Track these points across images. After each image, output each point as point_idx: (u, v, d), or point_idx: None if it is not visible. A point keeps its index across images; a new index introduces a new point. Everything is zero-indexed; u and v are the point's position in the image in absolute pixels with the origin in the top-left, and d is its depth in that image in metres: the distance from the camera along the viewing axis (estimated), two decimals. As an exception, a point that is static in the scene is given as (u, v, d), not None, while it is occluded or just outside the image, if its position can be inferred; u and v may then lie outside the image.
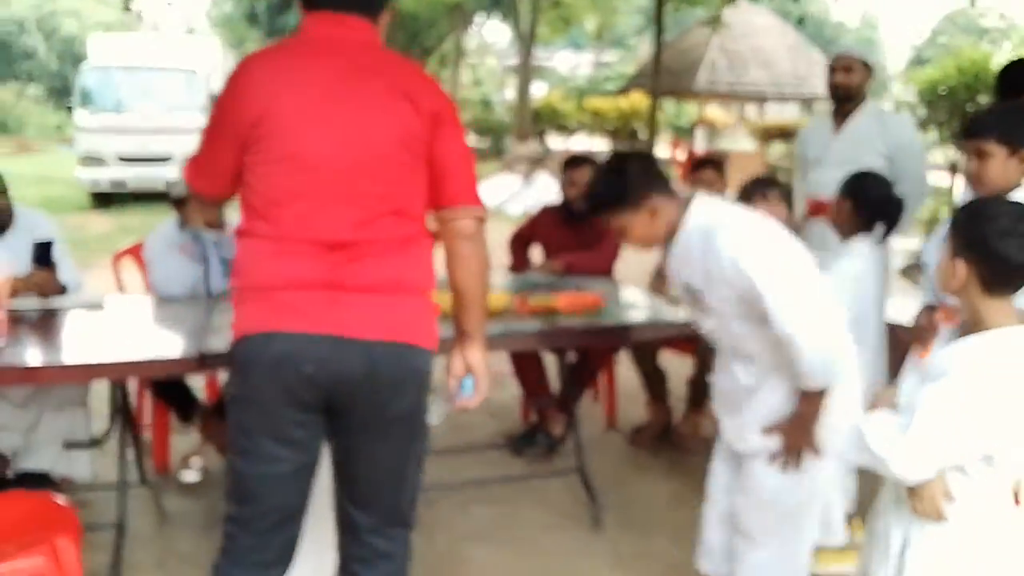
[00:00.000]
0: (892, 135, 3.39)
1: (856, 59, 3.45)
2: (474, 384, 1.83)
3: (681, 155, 14.59)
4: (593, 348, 3.39)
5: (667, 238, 1.96)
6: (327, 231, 1.61)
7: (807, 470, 1.92)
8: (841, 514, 2.55)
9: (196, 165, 1.76)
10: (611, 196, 1.94)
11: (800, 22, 7.05)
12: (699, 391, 3.59)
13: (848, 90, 3.44)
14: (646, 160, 2.04)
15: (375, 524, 1.75)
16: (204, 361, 2.20)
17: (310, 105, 1.63)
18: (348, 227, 1.62)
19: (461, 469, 3.26)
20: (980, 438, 1.48)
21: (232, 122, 1.65)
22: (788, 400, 1.91)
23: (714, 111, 18.12)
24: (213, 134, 1.71)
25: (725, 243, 1.81)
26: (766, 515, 2.00)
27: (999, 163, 2.04)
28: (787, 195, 3.01)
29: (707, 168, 3.56)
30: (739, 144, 15.73)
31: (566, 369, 3.31)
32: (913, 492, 1.56)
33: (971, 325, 1.55)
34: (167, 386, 3.11)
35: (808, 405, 1.86)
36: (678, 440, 3.62)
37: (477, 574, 2.61)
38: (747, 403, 1.98)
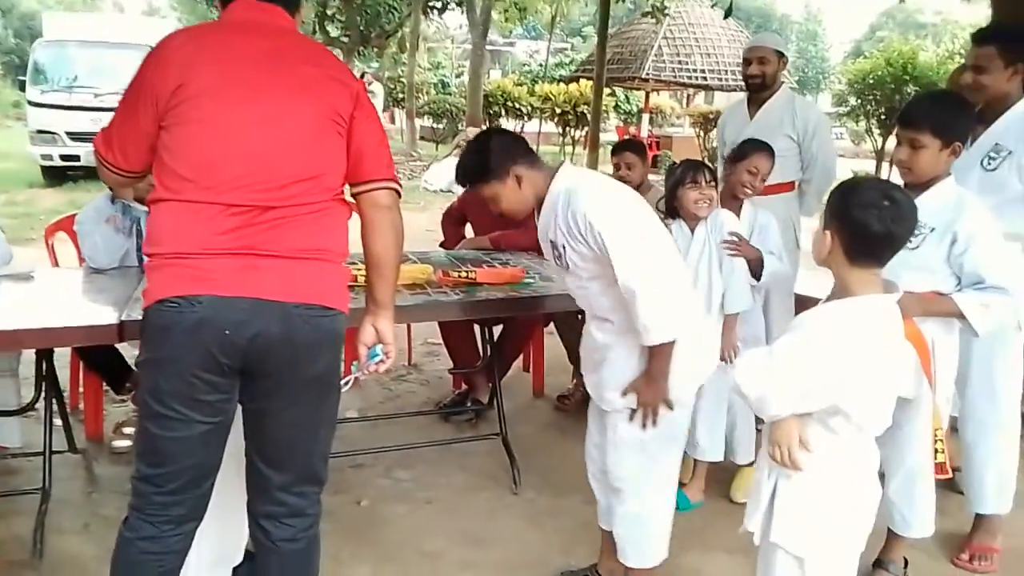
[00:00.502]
0: (801, 120, 3.58)
1: (770, 49, 3.61)
2: (382, 351, 1.93)
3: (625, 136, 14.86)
4: (517, 319, 3.55)
5: (537, 205, 2.13)
6: (245, 196, 1.65)
7: (665, 422, 2.08)
8: (750, 435, 2.88)
9: (108, 138, 1.78)
10: (477, 168, 2.14)
11: (727, 15, 7.20)
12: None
13: (763, 80, 3.61)
14: (508, 135, 2.24)
15: (287, 482, 1.80)
16: (124, 329, 2.27)
17: (233, 74, 1.68)
18: (266, 193, 1.66)
19: (391, 435, 3.39)
20: (825, 389, 1.61)
21: (151, 92, 1.68)
22: (640, 359, 2.05)
23: (661, 99, 18.46)
24: (129, 106, 1.73)
25: (582, 202, 1.98)
26: (630, 468, 2.16)
27: (931, 155, 2.15)
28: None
29: (627, 151, 3.69)
30: (684, 130, 16.05)
31: (492, 340, 3.46)
32: (771, 439, 1.70)
33: (837, 293, 1.69)
34: (98, 356, 3.16)
35: (656, 362, 2.00)
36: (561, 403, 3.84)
37: (395, 532, 2.73)
38: (603, 362, 2.14)
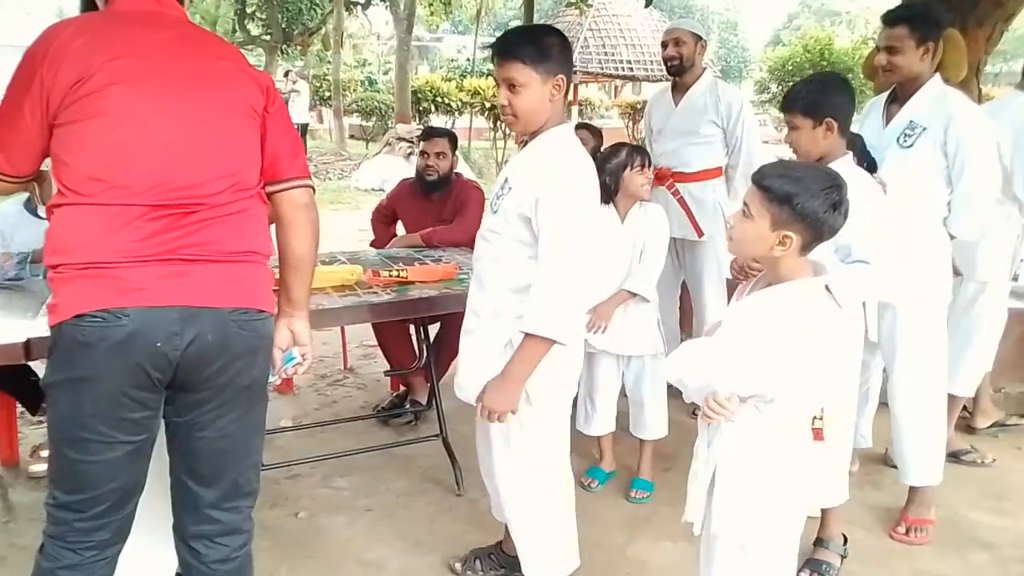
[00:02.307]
0: (724, 105, 3.61)
1: (684, 31, 3.64)
2: (299, 354, 1.86)
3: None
4: (453, 317, 3.47)
5: (531, 135, 2.02)
6: (167, 196, 1.53)
7: (538, 424, 2.05)
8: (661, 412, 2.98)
9: None
10: (540, 47, 1.91)
11: (648, 3, 7.28)
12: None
13: (680, 61, 3.63)
14: (568, 45, 2.01)
15: (219, 498, 1.71)
16: (31, 347, 2.11)
17: (140, 66, 1.56)
18: (189, 192, 1.56)
19: (328, 442, 3.29)
20: (779, 373, 1.59)
21: (41, 89, 1.52)
22: (501, 353, 1.98)
23: (589, 91, 18.60)
24: (13, 106, 1.56)
25: (557, 166, 1.93)
26: (503, 460, 2.12)
27: (805, 134, 2.24)
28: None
29: (582, 128, 3.77)
30: (613, 121, 16.21)
31: (429, 339, 3.39)
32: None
33: (773, 278, 1.68)
34: (8, 376, 2.97)
35: (519, 361, 1.91)
36: None
37: (335, 543, 2.64)
38: (466, 346, 2.10)
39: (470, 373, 2.06)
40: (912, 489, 2.73)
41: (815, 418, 2.12)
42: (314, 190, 1.81)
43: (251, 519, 1.80)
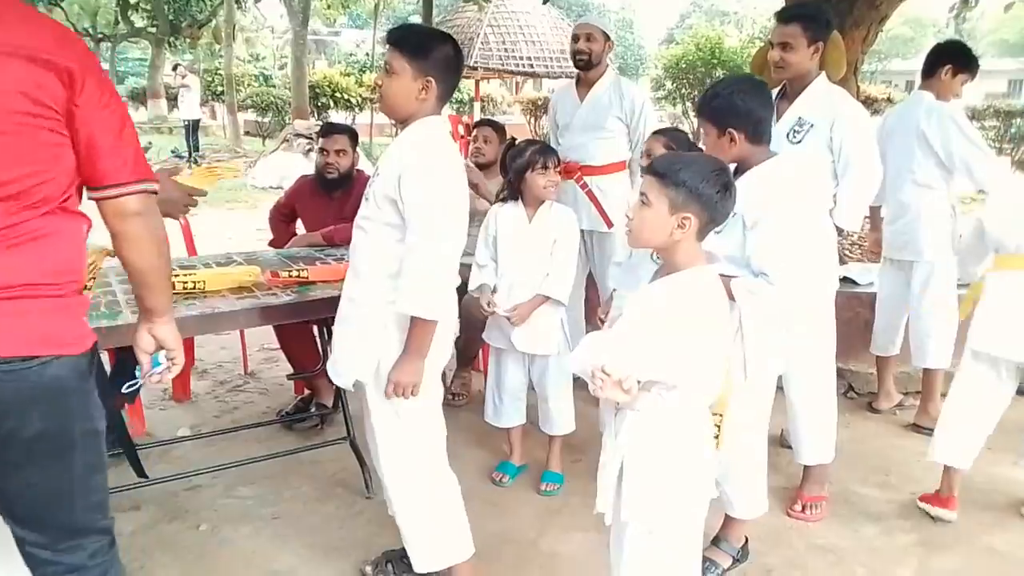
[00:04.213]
0: (628, 100, 3.69)
1: (596, 28, 3.70)
2: (166, 357, 1.66)
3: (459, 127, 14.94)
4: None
5: (404, 122, 2.08)
6: None
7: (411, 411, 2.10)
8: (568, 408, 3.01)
9: None
10: (420, 42, 2.01)
11: (545, 0, 7.39)
12: (467, 349, 3.76)
13: (589, 57, 3.68)
14: (455, 56, 2.08)
15: (50, 541, 1.54)
16: None
17: None
18: None
19: (229, 450, 3.17)
20: (677, 359, 1.61)
21: None
22: (383, 332, 2.05)
23: (491, 87, 18.65)
24: None
25: (421, 152, 1.98)
26: (387, 449, 2.16)
27: (711, 141, 2.20)
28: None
29: (487, 126, 3.83)
30: (515, 117, 16.30)
31: (331, 340, 3.30)
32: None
33: (671, 266, 1.71)
34: None
35: (414, 334, 1.99)
36: (449, 398, 3.74)
37: (240, 555, 2.54)
38: (348, 332, 2.14)
39: (346, 358, 2.14)
40: (806, 468, 2.86)
41: (717, 426, 2.21)
42: (153, 193, 1.52)
43: (107, 551, 1.62)
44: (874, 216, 3.84)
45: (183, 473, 2.91)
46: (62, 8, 20.37)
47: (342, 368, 2.16)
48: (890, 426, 3.64)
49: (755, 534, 2.60)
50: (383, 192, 2.00)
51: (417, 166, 1.95)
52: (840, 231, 2.83)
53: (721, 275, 2.08)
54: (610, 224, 3.63)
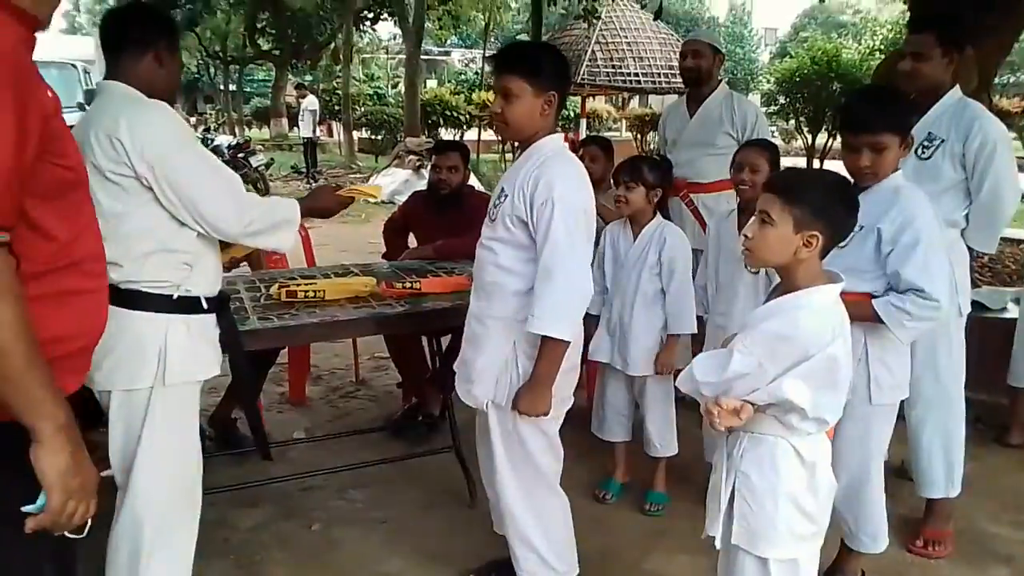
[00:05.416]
0: (740, 116, 3.63)
1: (704, 43, 3.66)
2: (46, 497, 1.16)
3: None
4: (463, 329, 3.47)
5: (525, 142, 2.10)
6: None
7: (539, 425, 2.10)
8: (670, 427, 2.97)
9: None
10: (537, 63, 2.03)
11: (657, 16, 7.33)
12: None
13: (698, 73, 3.65)
14: (564, 64, 2.12)
15: None
16: None
17: None
18: None
19: (341, 454, 3.28)
20: (784, 380, 1.57)
21: None
22: (512, 352, 2.05)
23: (597, 103, 18.65)
24: None
25: (557, 171, 1.99)
26: (502, 469, 2.15)
27: (893, 154, 2.09)
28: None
29: (593, 144, 3.74)
30: (621, 134, 16.22)
31: (441, 351, 3.38)
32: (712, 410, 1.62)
33: (791, 284, 1.66)
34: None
35: (543, 358, 1.98)
36: None
37: (350, 556, 2.63)
38: (476, 352, 2.14)
39: (480, 379, 2.13)
40: (930, 501, 2.70)
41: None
42: (7, 247, 1.09)
43: None
44: None
45: (298, 474, 3.04)
46: (196, 34, 21.81)
47: (476, 390, 2.15)
48: (1024, 462, 3.39)
49: (872, 568, 2.48)
50: (513, 214, 2.01)
51: (552, 195, 1.95)
52: (972, 252, 2.66)
53: (867, 295, 2.06)
54: None
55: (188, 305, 1.92)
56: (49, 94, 1.17)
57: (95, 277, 1.32)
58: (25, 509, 1.14)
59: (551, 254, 1.94)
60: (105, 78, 1.90)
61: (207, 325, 1.99)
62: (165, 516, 1.93)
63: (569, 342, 1.99)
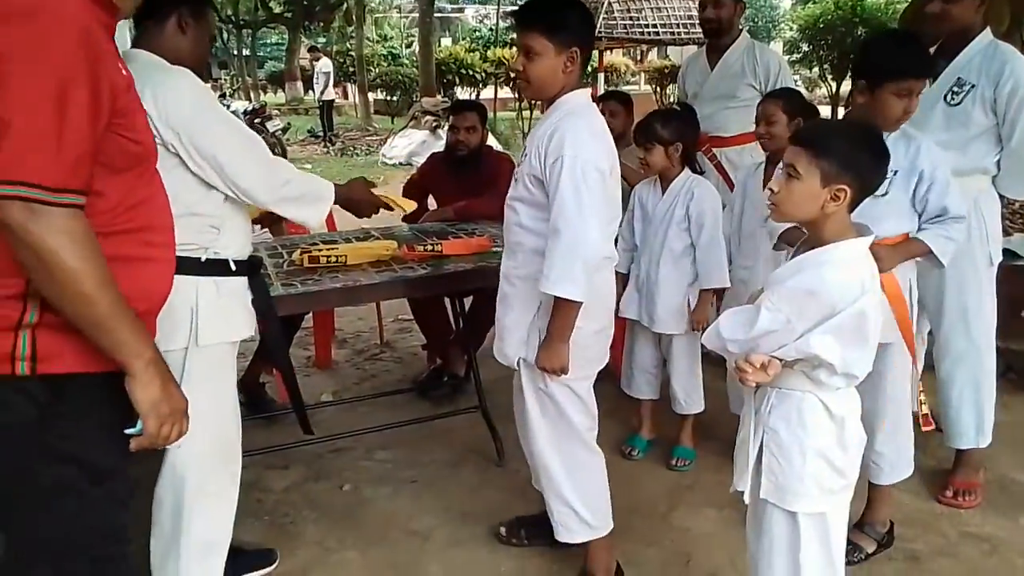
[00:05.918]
0: (762, 67, 3.54)
1: None
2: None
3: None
4: (487, 289, 3.47)
5: (548, 101, 2.06)
6: None
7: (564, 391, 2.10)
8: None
9: None
10: (557, 18, 1.95)
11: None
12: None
13: (719, 23, 3.56)
14: (588, 17, 2.05)
15: None
16: None
17: None
18: None
19: (368, 416, 3.33)
20: (813, 335, 1.55)
21: None
22: (538, 314, 2.05)
23: (615, 56, 18.34)
24: None
25: (571, 128, 1.94)
26: (535, 426, 2.16)
27: (918, 100, 2.11)
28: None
29: (612, 100, 3.65)
30: (640, 87, 15.96)
31: (464, 312, 3.40)
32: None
33: (818, 239, 1.63)
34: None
35: (556, 316, 1.97)
36: None
37: (381, 514, 2.68)
38: (506, 311, 2.14)
39: (510, 338, 2.13)
40: (960, 452, 2.69)
41: (921, 403, 2.21)
42: (43, 202, 1.11)
43: None
44: None
45: (327, 436, 3.08)
46: (208, -1, 21.60)
47: (508, 348, 2.14)
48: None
49: (902, 519, 2.48)
50: (532, 173, 1.99)
51: (567, 153, 1.91)
52: (1003, 200, 2.60)
53: (908, 236, 2.11)
54: None
55: (217, 268, 1.94)
56: (124, 72, 1.28)
57: (157, 247, 1.38)
58: (127, 432, 1.29)
59: (558, 213, 1.91)
60: (132, 47, 1.90)
61: (238, 287, 2.02)
62: (206, 472, 1.98)
63: (580, 302, 1.94)
